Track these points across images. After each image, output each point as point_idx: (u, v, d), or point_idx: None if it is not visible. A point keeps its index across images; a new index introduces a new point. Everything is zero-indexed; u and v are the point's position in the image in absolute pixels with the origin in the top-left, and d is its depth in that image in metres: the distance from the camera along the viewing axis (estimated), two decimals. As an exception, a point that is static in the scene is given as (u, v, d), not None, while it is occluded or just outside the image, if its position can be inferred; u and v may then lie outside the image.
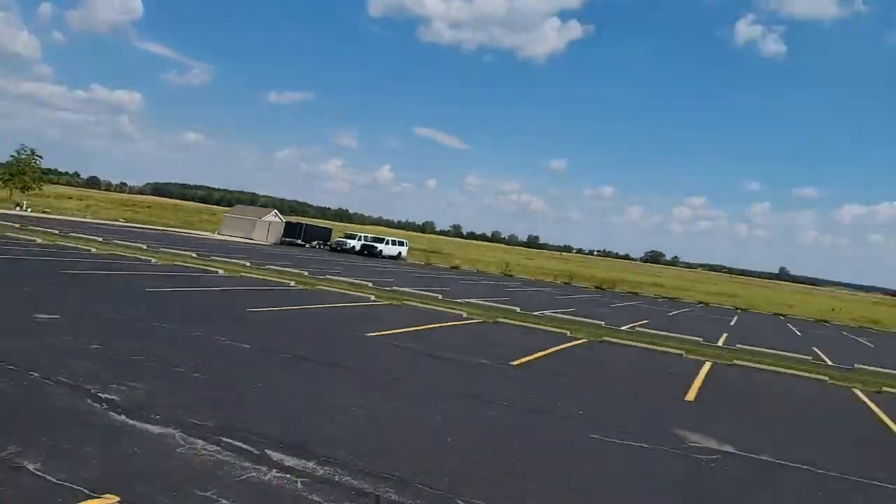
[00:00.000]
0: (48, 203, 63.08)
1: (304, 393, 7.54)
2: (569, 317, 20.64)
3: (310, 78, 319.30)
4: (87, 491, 4.11)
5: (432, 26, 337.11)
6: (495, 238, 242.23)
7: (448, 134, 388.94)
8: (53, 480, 4.19)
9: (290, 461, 5.11)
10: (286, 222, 59.70)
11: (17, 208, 49.29)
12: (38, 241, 23.72)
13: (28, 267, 16.56)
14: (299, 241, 54.50)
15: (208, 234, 54.97)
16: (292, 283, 19.79)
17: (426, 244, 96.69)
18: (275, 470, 4.90)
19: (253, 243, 49.61)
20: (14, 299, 11.39)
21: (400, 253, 56.37)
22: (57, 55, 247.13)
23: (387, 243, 55.65)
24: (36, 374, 6.59)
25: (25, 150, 64.61)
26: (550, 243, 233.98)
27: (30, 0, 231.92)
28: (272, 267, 24.88)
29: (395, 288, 22.78)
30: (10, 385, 6.17)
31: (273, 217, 60.72)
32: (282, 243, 54.00)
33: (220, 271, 20.80)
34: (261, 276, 20.69)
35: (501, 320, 17.10)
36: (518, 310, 20.67)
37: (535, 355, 12.27)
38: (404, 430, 6.69)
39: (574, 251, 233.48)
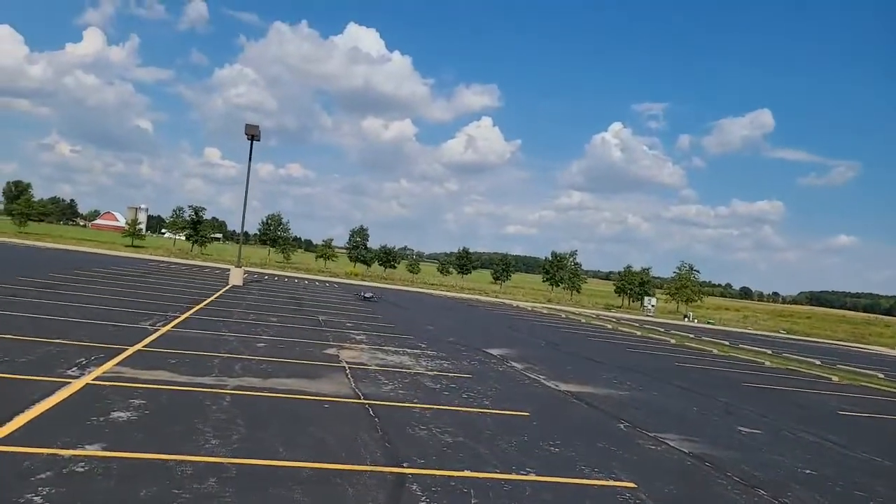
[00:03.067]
0: (708, 314, 71.83)
1: None
2: None
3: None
4: None
5: None
6: None
7: None
8: None
9: None
10: None
11: (685, 319, 58.49)
12: (714, 351, 25.82)
13: (714, 376, 17.51)
14: None
15: (886, 350, 50.24)
16: None
17: None
18: None
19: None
20: (713, 409, 12.06)
21: None
22: (698, 179, 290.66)
23: None
24: (763, 493, 6.73)
25: (685, 267, 78.53)
26: None
27: (668, 135, 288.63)
28: None
29: None
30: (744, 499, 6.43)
31: None
32: None
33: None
34: None
35: None
36: None
37: None
38: None
39: None
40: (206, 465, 5.44)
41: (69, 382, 7.48)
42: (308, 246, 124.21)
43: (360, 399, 8.66)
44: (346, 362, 11.52)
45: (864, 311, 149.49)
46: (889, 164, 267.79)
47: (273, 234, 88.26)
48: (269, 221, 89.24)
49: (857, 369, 25.43)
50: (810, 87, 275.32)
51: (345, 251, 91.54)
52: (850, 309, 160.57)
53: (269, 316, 17.85)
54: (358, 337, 15.54)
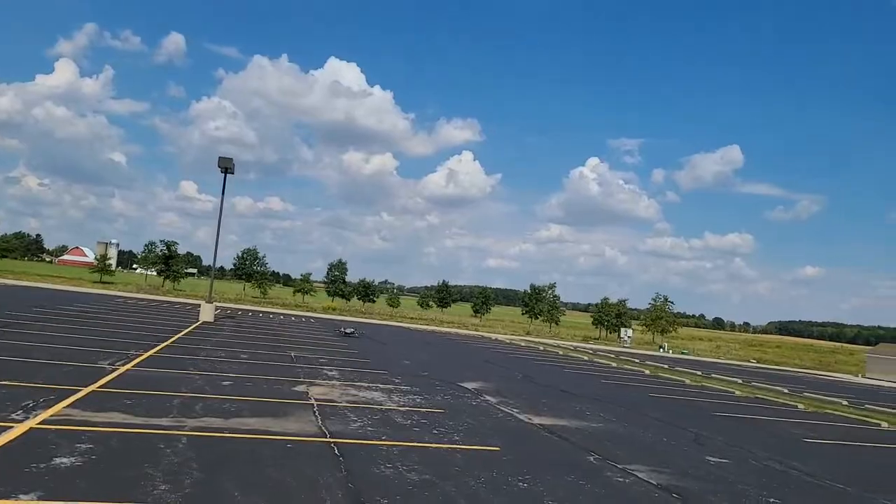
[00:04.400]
0: (683, 344, 71.82)
1: None
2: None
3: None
4: None
5: None
6: None
7: None
8: None
9: None
10: None
11: (660, 349, 57.79)
12: (686, 381, 25.83)
13: (685, 407, 17.42)
14: None
15: (849, 378, 49.93)
16: None
17: None
18: None
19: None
20: (683, 439, 11.95)
21: None
22: (672, 212, 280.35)
23: None
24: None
25: (659, 299, 77.46)
26: None
27: (643, 170, 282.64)
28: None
29: None
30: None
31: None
32: None
33: (884, 424, 18.50)
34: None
35: None
36: None
37: None
38: None
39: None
40: (152, 513, 5.12)
41: (11, 427, 7.08)
42: (287, 280, 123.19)
43: (325, 438, 8.37)
44: (315, 399, 11.22)
45: (830, 340, 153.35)
46: (852, 197, 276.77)
47: (249, 269, 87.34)
48: (245, 256, 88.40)
49: (823, 397, 25.64)
50: (777, 124, 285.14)
51: (323, 286, 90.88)
52: (816, 338, 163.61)
53: (239, 353, 17.40)
54: (330, 373, 15.19)
